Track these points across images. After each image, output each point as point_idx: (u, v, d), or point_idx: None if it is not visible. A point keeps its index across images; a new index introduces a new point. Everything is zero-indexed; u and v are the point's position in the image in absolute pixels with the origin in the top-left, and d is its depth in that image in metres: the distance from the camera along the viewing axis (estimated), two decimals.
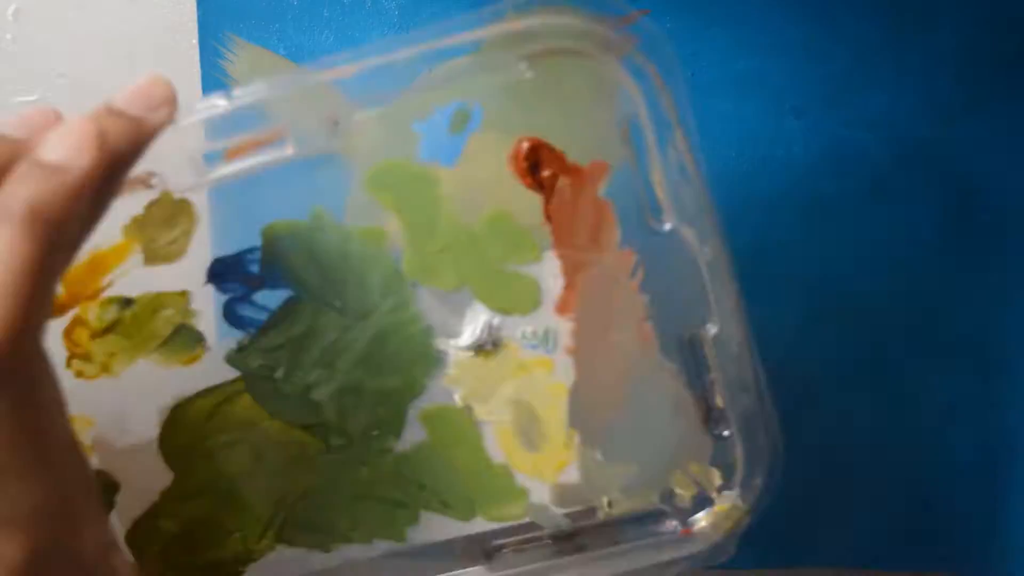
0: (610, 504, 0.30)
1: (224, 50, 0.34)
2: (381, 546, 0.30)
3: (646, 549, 0.29)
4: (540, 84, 0.33)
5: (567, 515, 0.29)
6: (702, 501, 0.29)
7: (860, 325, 0.34)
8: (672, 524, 0.30)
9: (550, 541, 0.30)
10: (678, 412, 0.28)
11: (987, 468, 0.34)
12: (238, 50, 0.34)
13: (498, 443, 0.29)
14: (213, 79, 0.34)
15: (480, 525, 0.30)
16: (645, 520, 0.30)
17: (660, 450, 0.29)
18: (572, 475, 0.29)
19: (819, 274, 0.34)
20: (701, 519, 0.29)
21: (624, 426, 0.29)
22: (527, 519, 0.29)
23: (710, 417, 0.28)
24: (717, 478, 0.29)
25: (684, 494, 0.29)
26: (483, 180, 0.29)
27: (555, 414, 0.29)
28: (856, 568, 0.35)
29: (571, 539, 0.30)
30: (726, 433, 0.28)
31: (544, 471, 0.29)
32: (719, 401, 0.28)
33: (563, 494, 0.29)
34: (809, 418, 0.34)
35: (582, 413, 0.29)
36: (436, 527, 0.30)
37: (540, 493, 0.29)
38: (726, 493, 0.29)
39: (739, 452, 0.28)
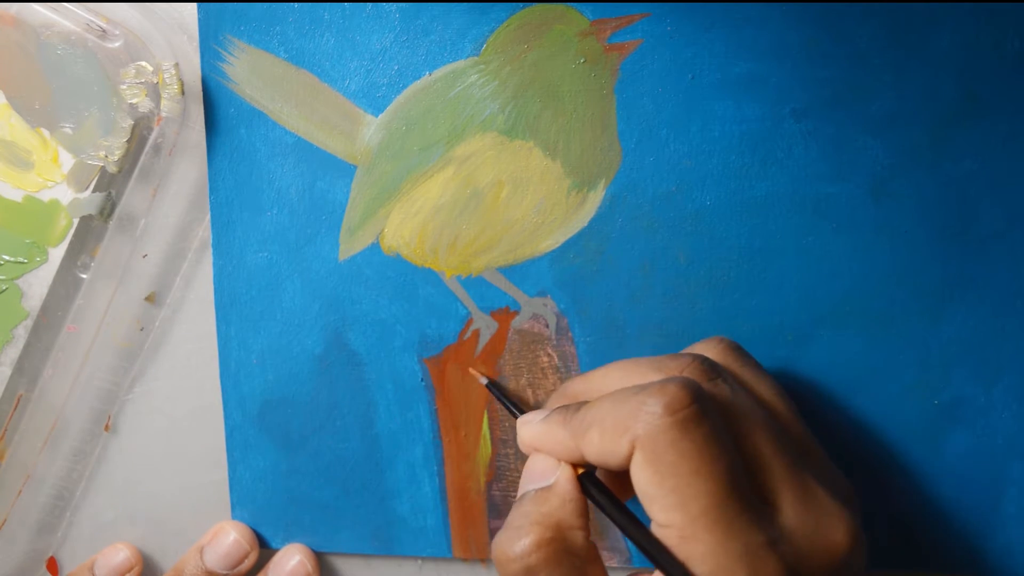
0: None
1: (225, 53, 0.34)
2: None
3: None
4: (540, 85, 0.33)
5: None
6: None
7: (859, 326, 0.34)
8: None
9: None
10: None
11: (987, 468, 0.34)
12: (239, 53, 0.34)
13: None
14: (214, 82, 0.34)
15: None
16: None
17: None
18: None
19: (818, 275, 0.34)
20: None
21: None
22: None
23: None
24: None
25: None
26: None
27: None
28: None
29: None
30: None
31: None
32: None
33: None
34: (808, 418, 0.34)
35: None
36: None
37: None
38: None
39: None
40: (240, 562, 0.35)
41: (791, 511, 0.25)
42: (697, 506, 0.24)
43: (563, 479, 0.27)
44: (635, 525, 0.26)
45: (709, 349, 0.30)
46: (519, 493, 0.28)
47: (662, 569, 0.24)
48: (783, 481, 0.26)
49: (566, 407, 0.28)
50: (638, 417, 0.25)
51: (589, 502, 0.27)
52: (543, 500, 0.27)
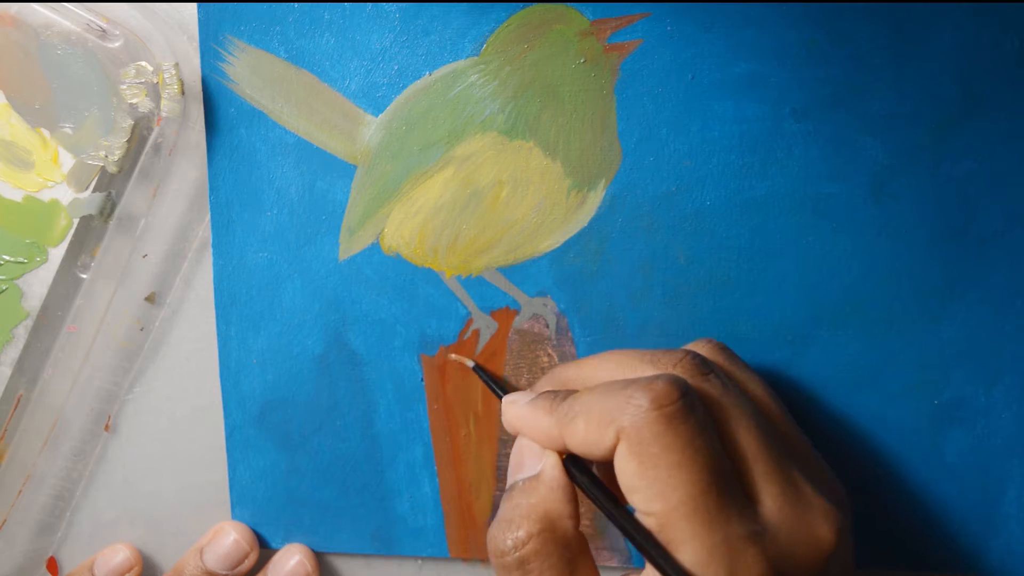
0: None
1: (225, 53, 0.34)
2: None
3: None
4: (540, 85, 0.33)
5: None
6: None
7: (859, 326, 0.34)
8: None
9: None
10: None
11: (987, 468, 0.34)
12: (239, 53, 0.34)
13: None
14: (213, 82, 0.34)
15: None
16: None
17: None
18: None
19: (818, 275, 0.34)
20: None
21: None
22: None
23: None
24: None
25: None
26: None
27: None
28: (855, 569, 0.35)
29: None
30: None
31: None
32: None
33: None
34: (808, 418, 0.34)
35: None
36: None
37: None
38: None
39: None
40: (240, 563, 0.35)
41: (776, 506, 0.25)
42: (677, 496, 0.24)
43: (549, 466, 0.28)
44: (619, 508, 0.26)
45: (700, 348, 0.30)
46: (508, 483, 0.29)
47: (645, 554, 0.24)
48: (769, 477, 0.26)
49: (554, 393, 0.29)
50: (625, 410, 0.25)
51: (578, 491, 0.28)
52: (531, 490, 0.27)
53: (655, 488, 0.24)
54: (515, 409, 0.29)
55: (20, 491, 0.35)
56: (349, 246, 0.35)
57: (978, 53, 0.32)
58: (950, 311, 0.33)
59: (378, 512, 0.36)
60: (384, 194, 0.34)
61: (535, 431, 0.28)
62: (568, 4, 0.33)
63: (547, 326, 0.35)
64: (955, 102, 0.33)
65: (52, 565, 0.37)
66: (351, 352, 0.35)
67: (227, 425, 0.36)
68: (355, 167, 0.34)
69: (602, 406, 0.26)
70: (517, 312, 0.35)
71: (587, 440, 0.26)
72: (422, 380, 0.35)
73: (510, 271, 0.34)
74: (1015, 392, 0.34)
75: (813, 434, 0.34)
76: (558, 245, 0.34)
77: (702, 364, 0.28)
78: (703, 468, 0.24)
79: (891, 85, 0.33)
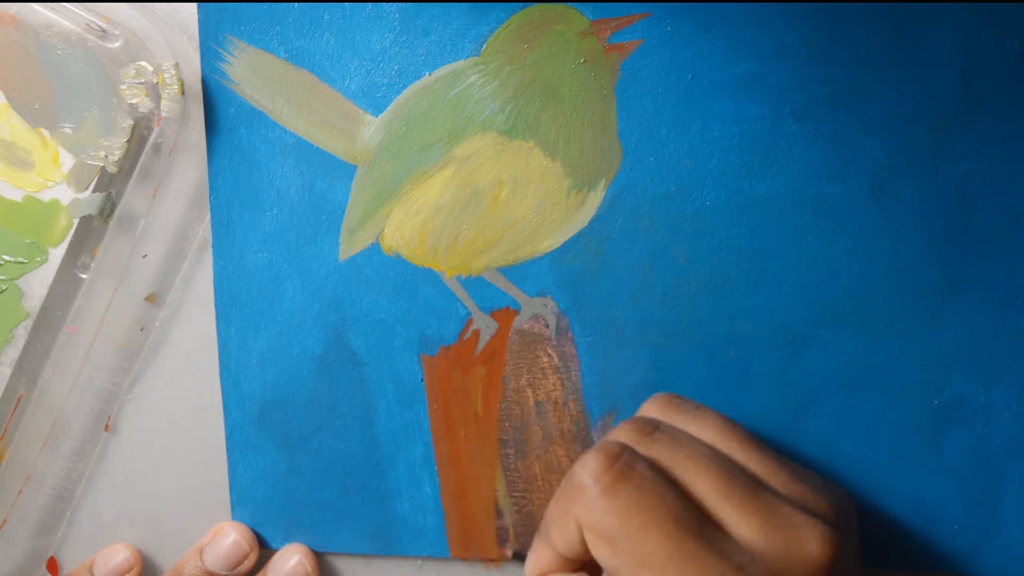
0: None
1: (225, 53, 0.34)
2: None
3: None
4: (540, 85, 0.33)
5: None
6: None
7: (859, 326, 0.34)
8: None
9: None
10: None
11: (987, 468, 0.34)
12: (238, 53, 0.34)
13: None
14: (213, 82, 0.34)
15: None
16: None
17: None
18: None
19: (818, 275, 0.34)
20: None
21: None
22: None
23: None
24: None
25: None
26: None
27: None
28: None
29: None
30: None
31: None
32: None
33: None
34: (809, 419, 0.34)
35: None
36: None
37: None
38: None
39: None
40: (240, 563, 0.35)
41: (756, 534, 0.25)
42: (659, 558, 0.24)
43: None
44: None
45: (647, 408, 0.31)
46: None
47: None
48: (743, 509, 0.26)
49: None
50: (574, 496, 0.25)
51: None
52: None
53: (635, 557, 0.24)
54: (527, 566, 0.30)
55: (20, 491, 0.35)
56: (349, 246, 0.35)
57: (978, 53, 0.32)
58: (950, 311, 0.33)
59: (378, 512, 0.36)
60: (384, 194, 0.34)
61: (545, 566, 0.28)
62: (568, 4, 0.33)
63: (547, 326, 0.35)
64: (955, 102, 0.33)
65: (52, 565, 0.37)
66: (351, 352, 0.35)
67: (227, 425, 0.36)
68: (355, 167, 0.34)
69: (559, 503, 0.26)
70: (517, 312, 0.35)
71: (565, 543, 0.26)
72: (422, 380, 0.35)
73: (510, 271, 0.34)
74: (1015, 392, 0.34)
75: (813, 434, 0.34)
76: (558, 245, 0.34)
77: (645, 425, 0.28)
78: (669, 520, 0.24)
79: (891, 85, 0.33)
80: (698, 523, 0.25)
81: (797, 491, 0.28)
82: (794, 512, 0.26)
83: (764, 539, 0.25)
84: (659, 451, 0.27)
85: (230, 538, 0.35)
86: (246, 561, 0.35)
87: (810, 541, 0.25)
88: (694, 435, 0.29)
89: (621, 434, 0.28)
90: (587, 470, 0.25)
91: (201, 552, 0.35)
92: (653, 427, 0.28)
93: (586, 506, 0.25)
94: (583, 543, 0.26)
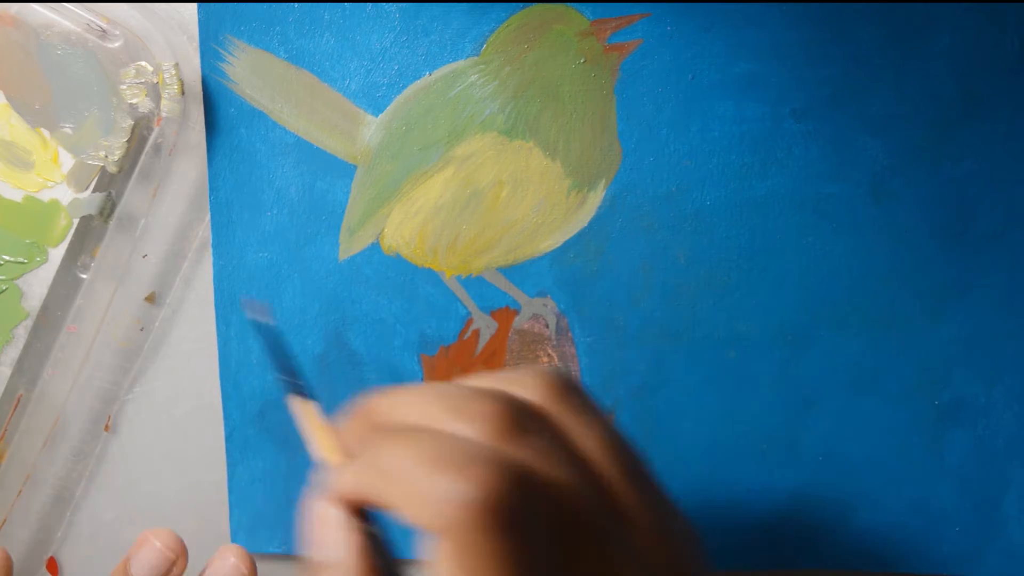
0: None
1: (225, 53, 0.34)
2: None
3: None
4: (540, 85, 0.33)
5: None
6: None
7: (860, 326, 0.34)
8: None
9: None
10: None
11: (987, 469, 0.34)
12: (239, 53, 0.34)
13: None
14: (214, 82, 0.34)
15: None
16: None
17: None
18: None
19: (818, 275, 0.34)
20: None
21: None
22: None
23: None
24: None
25: None
26: None
27: None
28: (856, 570, 0.35)
29: None
30: None
31: None
32: None
33: None
34: (809, 419, 0.34)
35: None
36: None
37: None
38: None
39: None
40: (167, 571, 0.32)
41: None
42: None
43: (350, 555, 0.23)
44: None
45: (532, 385, 0.24)
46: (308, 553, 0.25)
47: None
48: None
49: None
50: (438, 511, 0.20)
51: None
52: None
53: None
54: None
55: (20, 491, 0.35)
56: (349, 246, 0.35)
57: (978, 53, 0.32)
58: (950, 311, 0.33)
59: (377, 512, 0.36)
60: (384, 194, 0.34)
61: (346, 489, 0.24)
62: (568, 4, 0.33)
63: (547, 326, 0.35)
64: (955, 102, 0.33)
65: (52, 565, 0.37)
66: (351, 352, 0.35)
67: (227, 425, 0.36)
68: (355, 167, 0.34)
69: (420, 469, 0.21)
70: (517, 312, 0.35)
71: (387, 502, 0.22)
72: (422, 380, 0.35)
73: (510, 271, 0.34)
74: (1015, 392, 0.34)
75: (813, 434, 0.34)
76: (558, 245, 0.34)
77: (524, 418, 0.22)
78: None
79: (891, 85, 0.33)
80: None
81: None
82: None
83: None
84: (531, 458, 0.21)
85: (154, 546, 0.32)
86: (174, 568, 0.33)
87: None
88: (574, 444, 0.23)
89: (485, 421, 0.22)
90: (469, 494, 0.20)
91: (127, 564, 0.32)
92: (523, 429, 0.22)
93: (460, 533, 0.20)
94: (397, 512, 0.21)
